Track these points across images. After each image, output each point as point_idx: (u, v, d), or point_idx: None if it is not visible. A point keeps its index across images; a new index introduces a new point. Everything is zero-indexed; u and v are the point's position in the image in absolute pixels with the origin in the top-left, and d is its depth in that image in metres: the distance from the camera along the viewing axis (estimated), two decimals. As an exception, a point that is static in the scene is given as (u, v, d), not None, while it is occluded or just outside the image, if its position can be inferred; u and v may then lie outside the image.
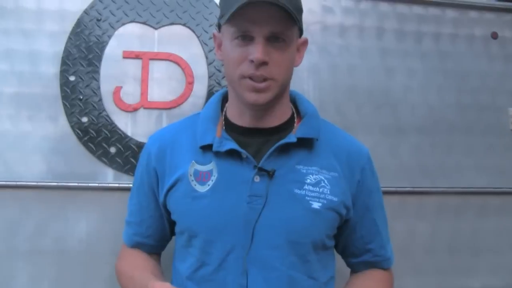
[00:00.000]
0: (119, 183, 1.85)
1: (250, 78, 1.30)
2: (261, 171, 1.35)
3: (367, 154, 1.51)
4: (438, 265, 2.06)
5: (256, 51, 1.26)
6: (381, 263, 1.54)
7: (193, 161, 1.40)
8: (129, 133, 1.88)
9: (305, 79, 1.98)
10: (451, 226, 2.09)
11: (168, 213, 1.47)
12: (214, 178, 1.37)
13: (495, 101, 2.18)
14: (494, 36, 2.20)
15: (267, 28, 1.26)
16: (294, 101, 1.51)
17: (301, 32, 1.37)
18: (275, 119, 1.42)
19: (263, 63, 1.28)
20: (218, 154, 1.38)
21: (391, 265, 1.56)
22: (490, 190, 2.13)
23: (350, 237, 1.50)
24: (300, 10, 1.34)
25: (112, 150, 1.86)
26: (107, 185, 1.85)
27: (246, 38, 1.28)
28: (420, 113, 2.10)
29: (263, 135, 1.41)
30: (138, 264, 1.52)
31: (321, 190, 1.37)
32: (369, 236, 1.51)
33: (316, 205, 1.36)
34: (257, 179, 1.35)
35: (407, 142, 2.08)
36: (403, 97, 2.09)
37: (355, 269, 1.58)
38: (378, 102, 2.07)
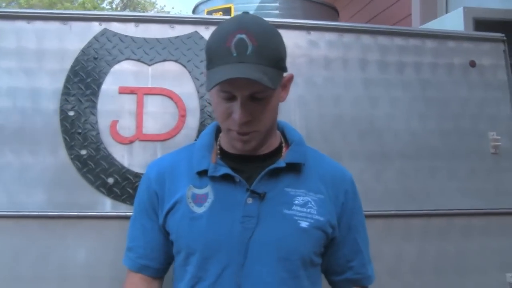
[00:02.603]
0: (117, 212, 1.91)
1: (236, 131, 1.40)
2: (253, 193, 1.45)
3: (350, 178, 1.61)
4: (425, 286, 2.11)
5: (238, 113, 1.35)
6: (361, 281, 1.62)
7: (191, 185, 1.49)
8: (125, 164, 1.94)
9: (293, 110, 2.04)
10: (436, 247, 2.14)
11: (167, 234, 1.54)
12: (210, 200, 1.47)
13: (475, 126, 2.23)
14: (472, 64, 2.26)
15: (247, 90, 1.34)
16: (282, 130, 1.61)
17: (285, 70, 1.43)
18: (265, 148, 1.52)
19: (246, 121, 1.37)
20: (213, 178, 1.48)
21: (371, 283, 1.63)
22: (474, 212, 2.18)
23: (333, 255, 1.58)
24: (280, 59, 1.39)
25: (110, 180, 1.93)
26: (105, 213, 1.91)
27: (229, 96, 1.37)
28: (403, 139, 2.15)
29: (254, 162, 1.50)
30: None
31: (308, 210, 1.47)
32: (351, 254, 1.59)
33: (304, 224, 1.46)
34: (249, 201, 1.45)
35: (392, 168, 2.13)
36: (386, 125, 2.15)
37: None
38: (363, 130, 2.13)
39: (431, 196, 2.16)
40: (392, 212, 2.11)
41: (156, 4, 23.26)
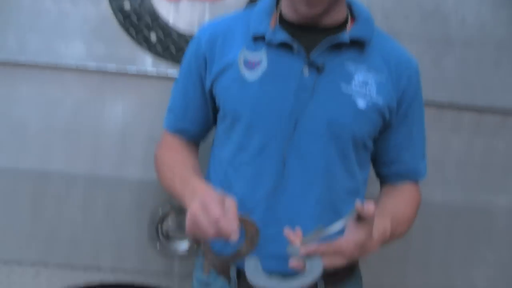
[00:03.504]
0: (157, 69, 1.86)
1: None
2: (311, 65, 1.35)
3: (416, 66, 1.50)
4: (469, 181, 2.05)
5: None
6: (410, 175, 1.55)
7: (244, 47, 1.40)
8: (170, 22, 1.85)
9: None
10: (486, 144, 2.05)
11: (213, 100, 1.48)
12: (264, 67, 1.38)
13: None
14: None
15: None
16: (349, 5, 1.48)
17: None
18: (329, 19, 1.39)
19: None
20: (270, 45, 1.38)
21: (422, 178, 1.57)
22: (532, 111, 2.07)
23: (384, 144, 1.50)
24: None
25: (153, 36, 1.85)
26: (145, 71, 1.86)
27: None
28: (470, 26, 2.00)
29: (315, 33, 1.39)
30: (179, 158, 1.53)
31: (367, 89, 1.37)
32: (402, 145, 1.51)
33: (361, 103, 1.37)
34: (306, 72, 1.35)
35: (453, 55, 2.00)
36: (454, 9, 1.98)
37: (384, 180, 1.59)
38: (427, 11, 1.97)
39: (488, 90, 2.03)
40: (445, 101, 2.00)
41: None
